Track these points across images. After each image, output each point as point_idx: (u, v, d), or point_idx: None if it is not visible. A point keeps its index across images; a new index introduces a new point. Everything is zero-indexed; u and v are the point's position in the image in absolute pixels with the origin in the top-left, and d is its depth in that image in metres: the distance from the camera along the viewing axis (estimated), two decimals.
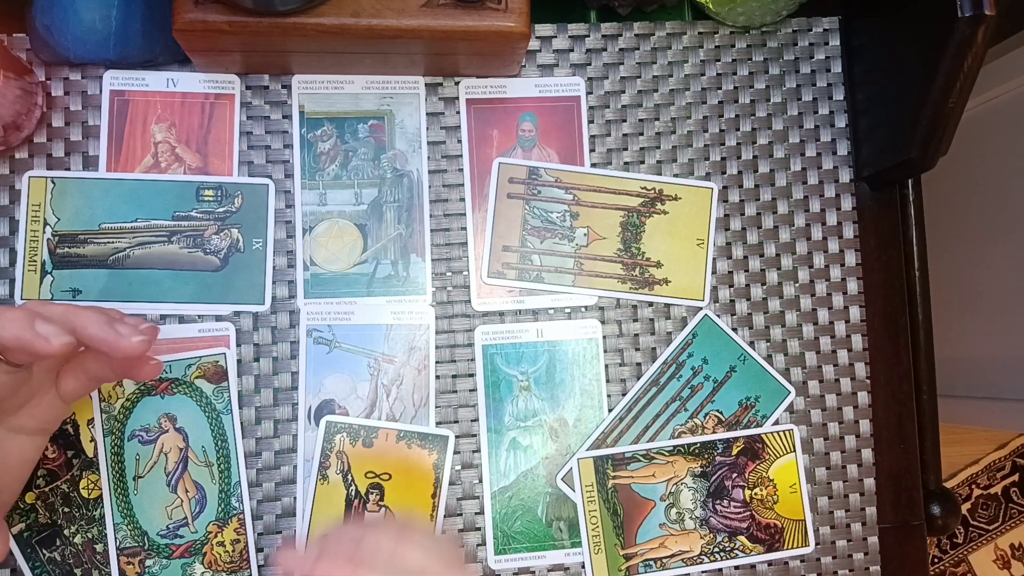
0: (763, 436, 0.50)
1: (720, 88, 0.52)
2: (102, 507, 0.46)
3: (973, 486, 1.39)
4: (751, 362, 0.51)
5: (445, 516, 0.48)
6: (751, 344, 0.51)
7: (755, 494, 0.50)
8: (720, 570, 0.50)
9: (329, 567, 0.36)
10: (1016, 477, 1.39)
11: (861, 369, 0.52)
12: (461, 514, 0.49)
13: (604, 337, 0.50)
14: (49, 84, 0.48)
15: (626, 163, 0.51)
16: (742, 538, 0.50)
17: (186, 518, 0.46)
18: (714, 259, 0.51)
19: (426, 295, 0.49)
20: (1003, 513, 1.38)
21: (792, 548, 0.50)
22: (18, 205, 0.47)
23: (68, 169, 0.47)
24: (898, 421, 0.52)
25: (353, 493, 0.47)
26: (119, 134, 0.48)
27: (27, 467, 0.42)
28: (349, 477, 0.47)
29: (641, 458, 0.49)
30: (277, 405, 0.48)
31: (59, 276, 0.47)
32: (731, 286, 0.51)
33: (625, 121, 0.51)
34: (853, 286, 0.52)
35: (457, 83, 0.50)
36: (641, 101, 0.51)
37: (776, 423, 0.51)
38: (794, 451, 0.50)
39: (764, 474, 0.50)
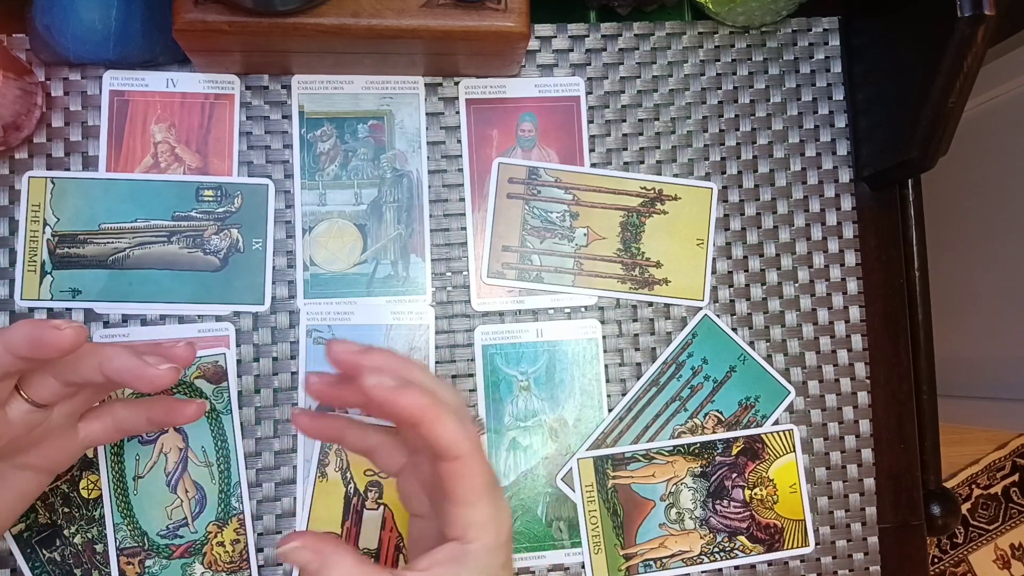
0: (763, 436, 0.50)
1: (720, 88, 0.52)
2: (102, 507, 0.46)
3: (973, 486, 1.39)
4: (751, 362, 0.51)
5: None
6: (751, 344, 0.51)
7: (755, 494, 0.50)
8: (720, 570, 0.50)
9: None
10: (1016, 477, 1.39)
11: (861, 369, 0.52)
12: None
13: (604, 337, 0.50)
14: (49, 84, 0.48)
15: (626, 163, 0.51)
16: (742, 538, 0.50)
17: (186, 518, 0.46)
18: (714, 259, 0.51)
19: (426, 295, 0.49)
20: (1003, 513, 1.38)
21: (792, 548, 0.50)
22: (18, 205, 0.47)
23: (68, 169, 0.47)
24: (898, 421, 0.52)
25: (352, 491, 0.47)
26: (119, 134, 0.48)
27: (24, 502, 0.41)
28: (348, 475, 0.47)
29: (641, 458, 0.49)
30: (277, 405, 0.48)
31: (59, 276, 0.47)
32: (731, 286, 0.51)
33: (625, 121, 0.51)
34: (853, 286, 0.52)
35: (457, 83, 0.50)
36: (641, 101, 0.51)
37: (776, 423, 0.51)
38: (794, 451, 0.50)
39: (764, 474, 0.50)
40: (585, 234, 0.50)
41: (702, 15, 0.52)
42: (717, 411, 0.50)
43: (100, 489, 0.46)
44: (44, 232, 0.47)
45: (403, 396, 0.32)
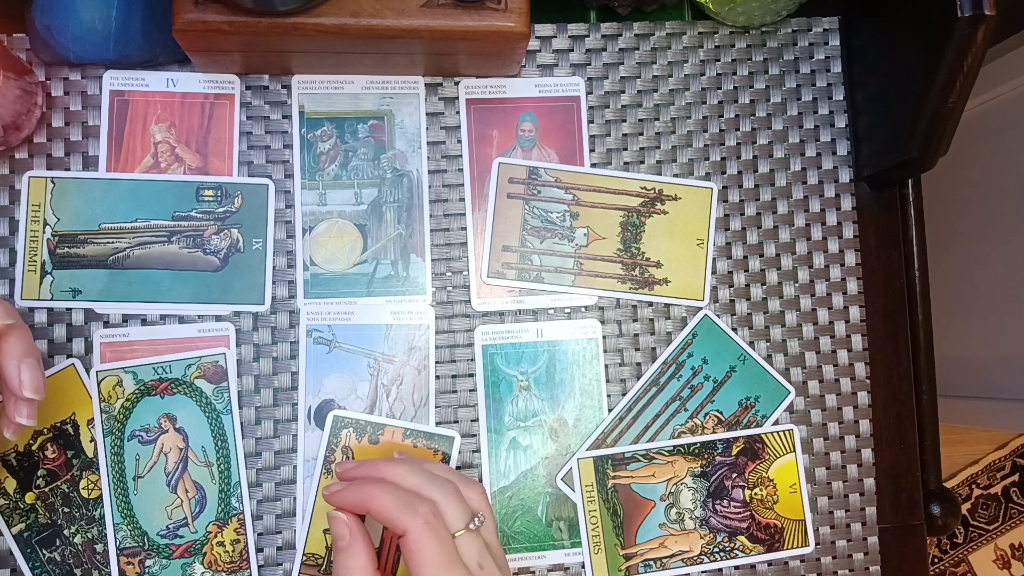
0: (763, 436, 0.50)
1: (720, 88, 0.52)
2: (102, 507, 0.46)
3: (973, 486, 1.39)
4: (751, 362, 0.51)
5: None
6: (751, 344, 0.51)
7: (755, 494, 0.50)
8: (720, 570, 0.50)
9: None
10: (1016, 477, 1.39)
11: (861, 369, 0.52)
12: None
13: (604, 337, 0.50)
14: (49, 84, 0.48)
15: (626, 163, 0.51)
16: (742, 538, 0.50)
17: (186, 518, 0.46)
18: (714, 259, 0.51)
19: (426, 295, 0.49)
20: (1003, 513, 1.38)
21: (792, 548, 0.50)
22: (18, 205, 0.47)
23: (68, 169, 0.47)
24: (898, 421, 0.52)
25: None
26: (119, 134, 0.48)
27: None
28: None
29: (641, 458, 0.49)
30: (277, 405, 0.48)
31: (59, 276, 0.47)
32: (731, 286, 0.51)
33: (625, 121, 0.51)
34: (853, 286, 0.52)
35: (457, 83, 0.50)
36: (641, 101, 0.51)
37: (776, 423, 0.51)
38: (794, 451, 0.50)
39: (764, 474, 0.50)
40: (585, 234, 0.50)
41: (702, 15, 0.52)
42: (717, 411, 0.50)
43: (100, 489, 0.46)
44: (44, 232, 0.47)
45: (343, 495, 0.37)
